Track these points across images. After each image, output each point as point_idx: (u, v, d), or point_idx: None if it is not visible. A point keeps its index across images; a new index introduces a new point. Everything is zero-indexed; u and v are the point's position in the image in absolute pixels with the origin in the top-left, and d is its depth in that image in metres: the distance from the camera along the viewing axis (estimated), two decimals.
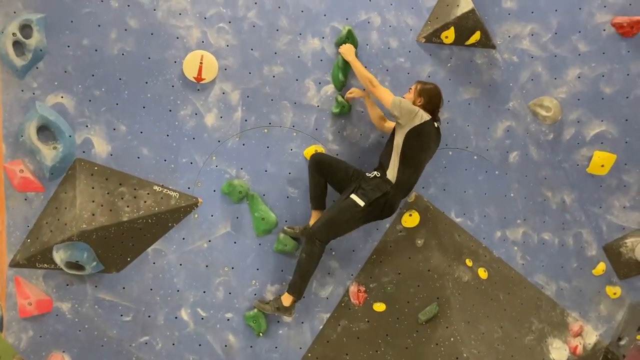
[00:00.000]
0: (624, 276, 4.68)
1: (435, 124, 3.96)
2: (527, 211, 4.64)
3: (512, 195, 4.62)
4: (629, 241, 4.61)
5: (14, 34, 3.71)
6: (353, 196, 3.85)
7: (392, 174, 3.89)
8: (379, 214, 3.94)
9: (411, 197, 4.42)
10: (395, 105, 3.83)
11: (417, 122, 3.82)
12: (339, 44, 4.31)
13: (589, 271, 4.69)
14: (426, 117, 3.86)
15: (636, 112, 4.51)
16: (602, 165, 4.56)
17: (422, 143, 3.90)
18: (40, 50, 3.78)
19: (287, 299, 3.98)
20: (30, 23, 3.76)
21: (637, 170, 4.56)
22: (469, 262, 4.40)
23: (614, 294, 4.70)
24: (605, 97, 4.53)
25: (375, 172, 3.95)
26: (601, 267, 4.66)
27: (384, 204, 3.86)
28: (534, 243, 4.63)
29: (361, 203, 3.81)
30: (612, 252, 4.66)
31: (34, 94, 3.79)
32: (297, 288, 3.96)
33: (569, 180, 4.65)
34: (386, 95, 3.90)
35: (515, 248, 4.61)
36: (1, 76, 3.74)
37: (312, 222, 4.06)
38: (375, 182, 3.89)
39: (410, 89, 4.08)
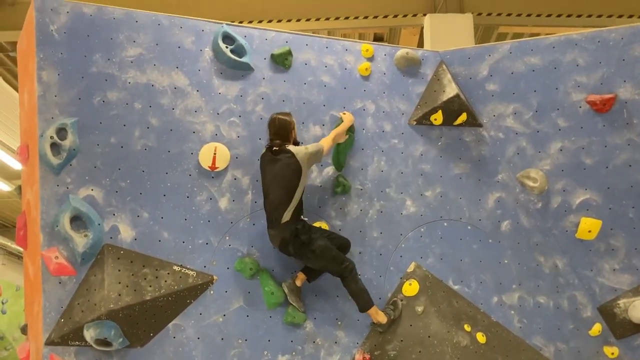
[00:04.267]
0: (621, 336, 4.86)
1: (273, 149, 4.35)
2: (522, 276, 4.92)
3: (506, 261, 4.93)
4: (621, 302, 4.84)
5: (51, 137, 4.23)
6: None
7: None
8: None
9: (410, 267, 4.77)
10: None
11: None
12: None
13: (585, 332, 4.89)
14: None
15: (616, 180, 4.83)
16: (590, 231, 4.85)
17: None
18: (74, 149, 4.29)
19: (375, 316, 4.48)
20: (65, 126, 4.28)
21: (622, 235, 4.84)
22: (467, 327, 4.68)
23: (612, 353, 4.86)
24: (586, 168, 4.89)
25: None
26: (597, 328, 4.87)
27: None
28: (530, 306, 4.89)
29: None
30: (607, 312, 4.87)
31: (67, 188, 4.26)
32: (364, 302, 4.43)
33: (559, 246, 4.94)
34: None
35: (512, 312, 4.87)
36: (40, 174, 4.25)
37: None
38: None
39: None
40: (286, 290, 4.43)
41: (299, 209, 4.36)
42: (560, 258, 4.94)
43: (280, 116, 4.43)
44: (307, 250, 4.30)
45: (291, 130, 4.42)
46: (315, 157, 4.38)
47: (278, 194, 4.27)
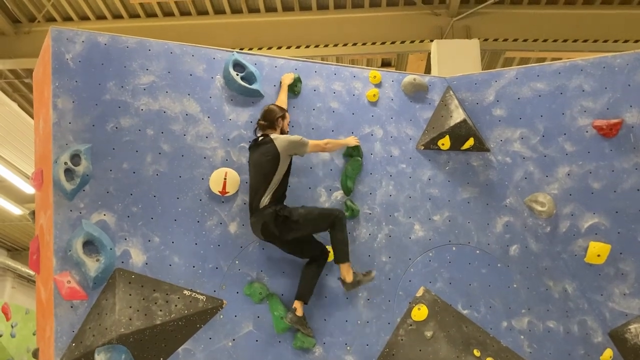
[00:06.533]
0: None
1: (258, 138, 4.51)
2: (531, 301, 4.91)
3: (515, 286, 4.93)
4: (632, 327, 4.80)
5: (65, 163, 4.31)
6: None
7: None
8: None
9: (419, 291, 4.78)
10: None
11: None
12: (346, 155, 4.86)
13: (596, 358, 4.84)
14: None
15: (625, 204, 4.84)
16: (599, 255, 4.85)
17: None
18: (87, 175, 4.36)
19: (345, 272, 4.43)
20: (79, 152, 4.36)
21: (632, 259, 4.83)
22: (477, 353, 4.66)
23: None
24: (594, 192, 4.90)
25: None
26: (608, 354, 4.83)
27: None
28: (540, 331, 4.87)
29: None
30: (618, 338, 4.83)
31: (80, 213, 4.32)
32: (343, 254, 4.44)
33: (569, 270, 4.93)
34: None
35: (522, 337, 4.85)
36: (54, 199, 4.32)
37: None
38: None
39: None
40: (291, 324, 4.40)
41: (278, 195, 4.38)
42: (569, 282, 4.93)
43: (272, 105, 4.62)
44: (290, 224, 4.30)
45: (277, 118, 4.52)
46: (296, 147, 4.40)
47: (257, 179, 4.39)
